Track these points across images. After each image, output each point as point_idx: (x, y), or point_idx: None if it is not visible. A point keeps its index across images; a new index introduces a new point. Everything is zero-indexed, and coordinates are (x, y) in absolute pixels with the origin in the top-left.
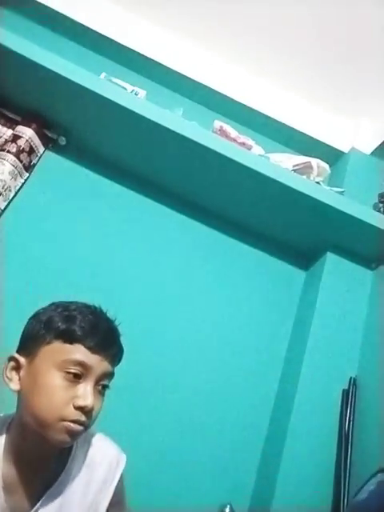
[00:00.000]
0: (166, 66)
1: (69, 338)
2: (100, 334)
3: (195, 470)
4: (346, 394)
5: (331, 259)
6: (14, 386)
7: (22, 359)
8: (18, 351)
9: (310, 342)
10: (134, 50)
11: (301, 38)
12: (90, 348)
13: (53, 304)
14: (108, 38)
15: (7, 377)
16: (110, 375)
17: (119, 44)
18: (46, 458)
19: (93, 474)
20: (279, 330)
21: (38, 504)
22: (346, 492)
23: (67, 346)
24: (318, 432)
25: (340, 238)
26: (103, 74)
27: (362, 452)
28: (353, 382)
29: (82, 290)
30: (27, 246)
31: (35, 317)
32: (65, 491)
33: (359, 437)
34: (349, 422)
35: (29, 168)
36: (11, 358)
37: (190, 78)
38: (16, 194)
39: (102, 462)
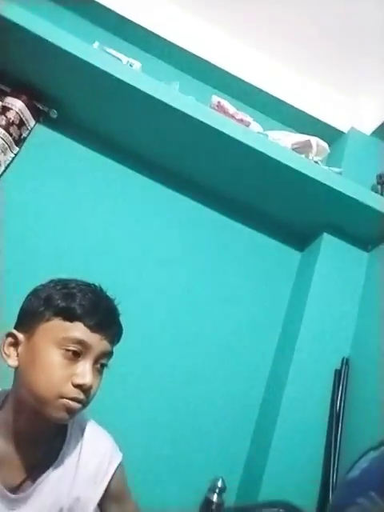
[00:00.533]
0: (162, 38)
1: (69, 315)
2: (100, 312)
3: (188, 445)
4: (338, 373)
5: (327, 240)
6: (12, 361)
7: (20, 335)
8: (15, 327)
9: (304, 322)
10: (129, 20)
11: (301, 15)
12: (89, 326)
13: (52, 281)
14: (102, 5)
15: (5, 353)
16: (109, 354)
17: (113, 12)
18: (40, 435)
19: (80, 470)
20: (274, 309)
21: (36, 483)
22: (336, 470)
23: (67, 323)
24: (310, 411)
25: (337, 218)
26: (96, 44)
27: (353, 432)
28: (345, 362)
29: (74, 266)
30: (18, 222)
31: (34, 293)
32: (57, 476)
33: (350, 417)
34: (340, 401)
35: (19, 142)
36: (9, 334)
37: (187, 51)
38: (6, 168)
39: (90, 460)
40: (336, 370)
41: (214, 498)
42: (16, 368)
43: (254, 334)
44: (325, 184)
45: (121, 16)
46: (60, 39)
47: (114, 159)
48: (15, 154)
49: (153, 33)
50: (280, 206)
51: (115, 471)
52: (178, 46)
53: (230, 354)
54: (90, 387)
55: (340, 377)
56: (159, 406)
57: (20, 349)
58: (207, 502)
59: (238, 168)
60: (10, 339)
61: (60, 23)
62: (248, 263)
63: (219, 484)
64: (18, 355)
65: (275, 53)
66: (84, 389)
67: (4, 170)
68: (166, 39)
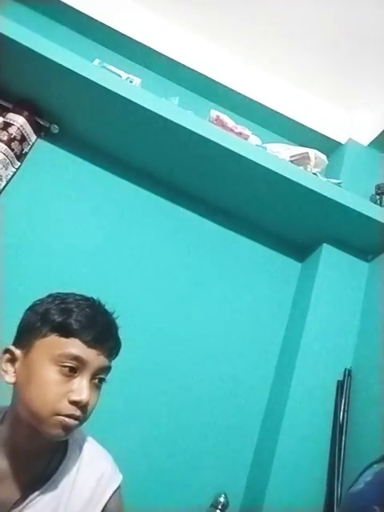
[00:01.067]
0: (161, 54)
1: (65, 331)
2: (97, 327)
3: (190, 460)
4: (340, 385)
5: (327, 251)
6: (9, 378)
7: (17, 351)
8: (14, 343)
9: (305, 333)
10: (128, 37)
11: (299, 28)
12: (86, 342)
13: (50, 296)
14: (102, 23)
15: (2, 369)
16: (106, 369)
17: (113, 30)
18: (38, 452)
19: (74, 491)
20: (275, 321)
21: (27, 500)
22: (340, 483)
23: (63, 339)
24: (313, 423)
25: (336, 229)
26: (97, 61)
27: (356, 443)
28: (348, 374)
29: (75, 280)
30: (19, 237)
31: (32, 308)
32: (51, 496)
33: (353, 428)
34: (343, 413)
35: (20, 157)
36: (6, 351)
37: (185, 66)
38: (7, 183)
39: (86, 482)
40: (338, 381)
41: None
42: (14, 384)
43: (255, 346)
44: (324, 195)
45: (121, 33)
46: (61, 56)
47: (115, 173)
48: (16, 169)
49: (152, 49)
50: (279, 217)
51: (112, 495)
52: (176, 62)
53: (231, 365)
54: (87, 404)
55: (342, 388)
56: (159, 420)
57: (17, 365)
58: None
59: (238, 181)
60: (7, 355)
61: (61, 41)
62: (248, 274)
63: (222, 499)
64: (15, 371)
65: (273, 66)
66: (80, 406)
67: (5, 185)
68: (165, 55)
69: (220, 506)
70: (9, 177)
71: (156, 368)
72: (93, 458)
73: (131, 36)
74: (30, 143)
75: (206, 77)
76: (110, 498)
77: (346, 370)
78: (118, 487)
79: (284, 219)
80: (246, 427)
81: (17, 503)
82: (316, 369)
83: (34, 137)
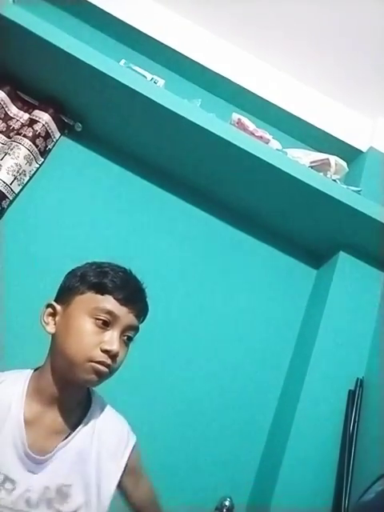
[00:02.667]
0: (185, 56)
1: (101, 289)
2: (129, 289)
3: (197, 463)
4: (352, 394)
5: (343, 259)
6: (50, 329)
7: (58, 306)
8: (54, 300)
9: (318, 341)
10: (153, 39)
11: (322, 34)
12: (118, 300)
13: (87, 263)
14: (129, 25)
15: (44, 321)
16: (135, 328)
17: (139, 31)
18: (68, 402)
19: (100, 444)
20: (287, 327)
21: (61, 443)
22: (348, 493)
23: (99, 296)
24: (322, 431)
25: (354, 237)
26: (123, 61)
27: (366, 454)
28: (359, 384)
29: None
30: (40, 231)
31: (71, 272)
32: (77, 446)
33: (363, 438)
34: (354, 423)
35: (44, 153)
36: (49, 305)
37: (209, 69)
38: (30, 178)
39: (110, 437)
40: (350, 391)
41: None
42: (52, 335)
43: (266, 351)
44: (343, 202)
45: (146, 35)
46: (88, 56)
47: (136, 173)
48: (40, 165)
49: (177, 51)
50: (297, 223)
51: (132, 449)
52: (200, 65)
53: (242, 371)
54: (117, 354)
55: (354, 398)
56: (167, 423)
57: (57, 318)
58: None
59: (257, 184)
60: (49, 309)
61: (88, 41)
62: (263, 280)
63: (227, 503)
64: (55, 324)
65: (295, 71)
66: (111, 355)
67: (29, 180)
68: (189, 58)
69: (225, 510)
70: (32, 172)
71: (165, 372)
72: (112, 418)
73: (156, 38)
74: (54, 140)
75: (229, 80)
76: (131, 453)
77: (357, 379)
78: (135, 445)
79: (301, 225)
80: (254, 433)
81: (44, 450)
82: (327, 377)
83: (58, 134)
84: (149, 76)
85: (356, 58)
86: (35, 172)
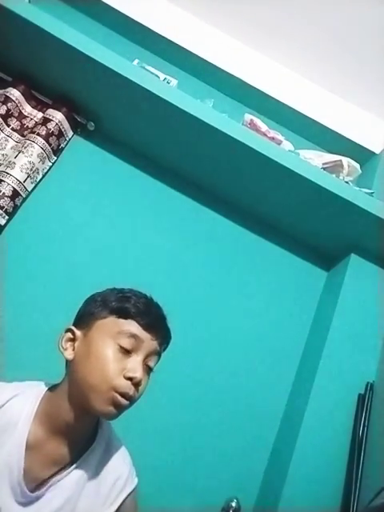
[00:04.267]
0: (198, 57)
1: (124, 313)
2: (152, 315)
3: (204, 464)
4: (362, 398)
5: (355, 261)
6: (69, 355)
7: (77, 332)
8: (73, 325)
9: (328, 344)
10: (167, 39)
11: (335, 36)
12: (142, 325)
13: (108, 289)
14: (142, 25)
15: (63, 347)
16: (157, 356)
17: (153, 32)
18: (74, 432)
19: (93, 484)
20: (297, 329)
21: (52, 480)
22: (357, 496)
23: (122, 320)
24: (331, 435)
25: (366, 239)
26: (136, 61)
27: (375, 458)
28: (370, 388)
29: (106, 275)
30: (52, 229)
31: (91, 297)
32: (72, 482)
33: (373, 443)
34: (363, 427)
35: (57, 152)
36: (68, 330)
37: (221, 70)
38: (43, 176)
39: (107, 477)
40: (360, 395)
41: None
42: (71, 362)
43: (276, 353)
44: (355, 204)
45: (160, 35)
46: (102, 55)
47: (147, 172)
48: (53, 163)
49: (190, 52)
50: (309, 224)
51: (128, 495)
52: (213, 65)
53: (250, 373)
54: (140, 382)
55: (363, 402)
56: (174, 424)
57: (76, 344)
58: None
59: (269, 185)
60: (68, 334)
61: (103, 41)
62: (274, 281)
63: (233, 504)
64: (74, 349)
65: (309, 73)
66: (134, 382)
67: (41, 178)
68: (202, 58)
69: (232, 511)
70: (45, 170)
71: (173, 372)
72: (114, 456)
73: (170, 38)
74: (67, 139)
75: (242, 81)
76: (124, 500)
77: (368, 383)
78: (133, 490)
79: (313, 227)
80: (263, 435)
81: (37, 479)
82: (337, 381)
83: (70, 133)
84: (162, 76)
85: (369, 60)
86: (48, 170)
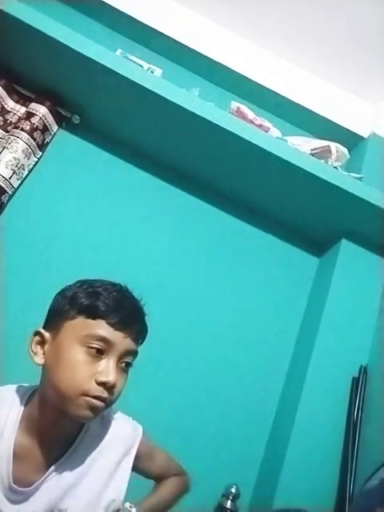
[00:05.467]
0: (183, 45)
1: (92, 313)
2: (124, 310)
3: (202, 451)
4: (355, 382)
5: (346, 246)
6: (39, 359)
7: (46, 334)
8: (43, 327)
9: (321, 329)
10: (150, 27)
11: (321, 20)
12: (112, 324)
13: (79, 281)
14: (125, 13)
15: (32, 351)
16: (133, 353)
17: (136, 20)
18: (62, 434)
19: (104, 457)
20: (291, 315)
21: (44, 476)
22: (353, 479)
23: (90, 321)
24: (326, 419)
25: (356, 224)
26: (119, 51)
27: (370, 441)
28: (363, 371)
29: (93, 269)
30: (39, 225)
31: (61, 293)
32: (74, 466)
33: (367, 426)
34: (357, 410)
35: (42, 146)
36: (36, 333)
37: (207, 57)
38: (29, 172)
39: (114, 445)
40: (354, 378)
41: (228, 504)
42: (42, 366)
43: (270, 340)
44: (344, 189)
45: (143, 24)
46: (84, 46)
47: (134, 164)
48: (38, 159)
49: (174, 40)
50: (299, 211)
51: (140, 441)
52: (198, 53)
53: (245, 360)
54: (114, 385)
55: (358, 385)
56: (173, 412)
57: (46, 347)
58: (221, 509)
59: (257, 173)
60: (37, 338)
61: (84, 31)
62: (265, 268)
63: (233, 490)
64: (44, 353)
65: (295, 58)
66: (107, 387)
67: (27, 174)
68: (186, 46)
69: (231, 497)
70: (31, 166)
71: (170, 361)
72: (115, 423)
73: (153, 26)
74: (52, 133)
75: (227, 68)
76: (139, 447)
77: (361, 366)
78: (142, 434)
79: (303, 213)
80: (260, 420)
81: (30, 483)
82: (331, 365)
83: (55, 127)
84: (146, 65)
85: (356, 43)
86: (34, 166)
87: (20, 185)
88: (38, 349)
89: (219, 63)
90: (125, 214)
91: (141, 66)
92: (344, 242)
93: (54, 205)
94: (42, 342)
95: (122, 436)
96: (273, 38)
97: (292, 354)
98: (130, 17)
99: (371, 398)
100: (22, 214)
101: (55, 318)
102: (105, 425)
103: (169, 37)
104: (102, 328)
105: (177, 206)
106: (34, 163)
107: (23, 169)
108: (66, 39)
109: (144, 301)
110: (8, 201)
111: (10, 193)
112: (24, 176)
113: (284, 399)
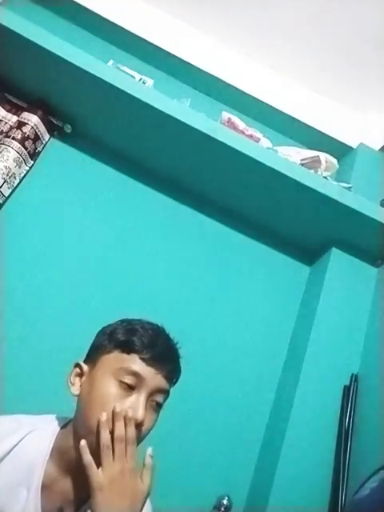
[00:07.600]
0: (174, 56)
1: (127, 348)
2: (157, 348)
3: (194, 461)
4: (347, 390)
5: (336, 255)
6: (75, 390)
7: (85, 366)
8: (84, 360)
9: (312, 337)
10: (142, 39)
11: (311, 31)
12: (144, 359)
13: (120, 320)
14: (116, 25)
15: (71, 381)
16: (164, 392)
17: (127, 31)
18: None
19: None
20: (282, 324)
21: None
22: (345, 488)
23: (124, 355)
24: (318, 427)
25: (346, 234)
26: (111, 62)
27: (362, 449)
28: (354, 379)
29: (84, 280)
30: (30, 235)
31: (102, 330)
32: None
33: (359, 434)
34: (349, 418)
35: (34, 155)
36: (76, 365)
37: (198, 68)
38: (20, 181)
39: None
40: (345, 387)
41: None
42: (77, 397)
43: (261, 349)
44: (334, 199)
45: (135, 35)
46: (76, 57)
47: (126, 173)
48: (30, 167)
49: (165, 51)
50: (289, 220)
51: None
52: (189, 64)
53: (237, 368)
54: (142, 423)
55: (349, 393)
56: (163, 421)
57: (83, 379)
58: None
59: (248, 183)
60: (76, 370)
61: (76, 42)
62: (256, 277)
63: (225, 502)
64: (81, 385)
65: (284, 69)
66: (135, 424)
67: (18, 183)
68: (177, 57)
69: (223, 508)
70: (22, 175)
71: None
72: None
73: (145, 38)
74: (44, 142)
75: (218, 79)
76: None
77: (352, 375)
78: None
79: (293, 222)
80: (251, 430)
81: None
82: (322, 373)
83: (47, 136)
84: (137, 76)
85: (345, 54)
86: (25, 175)
87: (11, 193)
88: (76, 380)
89: (210, 74)
90: (116, 222)
91: (132, 76)
92: (334, 250)
93: (45, 213)
94: (81, 374)
95: None
96: (263, 50)
97: (283, 363)
98: (122, 28)
99: (363, 406)
100: (12, 222)
101: (94, 353)
102: None
103: (160, 48)
104: (135, 363)
105: (167, 215)
106: (25, 172)
107: (14, 177)
108: (58, 50)
109: (178, 341)
110: None
111: (1, 201)
112: (15, 185)
113: (276, 408)
